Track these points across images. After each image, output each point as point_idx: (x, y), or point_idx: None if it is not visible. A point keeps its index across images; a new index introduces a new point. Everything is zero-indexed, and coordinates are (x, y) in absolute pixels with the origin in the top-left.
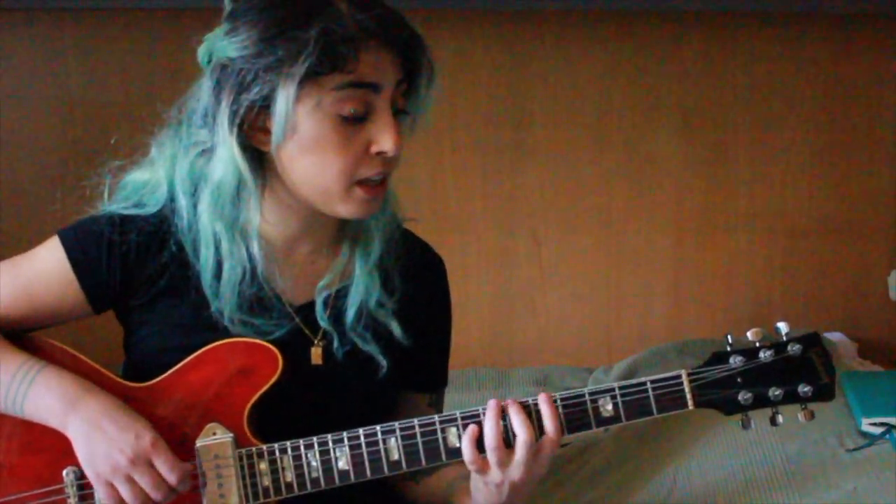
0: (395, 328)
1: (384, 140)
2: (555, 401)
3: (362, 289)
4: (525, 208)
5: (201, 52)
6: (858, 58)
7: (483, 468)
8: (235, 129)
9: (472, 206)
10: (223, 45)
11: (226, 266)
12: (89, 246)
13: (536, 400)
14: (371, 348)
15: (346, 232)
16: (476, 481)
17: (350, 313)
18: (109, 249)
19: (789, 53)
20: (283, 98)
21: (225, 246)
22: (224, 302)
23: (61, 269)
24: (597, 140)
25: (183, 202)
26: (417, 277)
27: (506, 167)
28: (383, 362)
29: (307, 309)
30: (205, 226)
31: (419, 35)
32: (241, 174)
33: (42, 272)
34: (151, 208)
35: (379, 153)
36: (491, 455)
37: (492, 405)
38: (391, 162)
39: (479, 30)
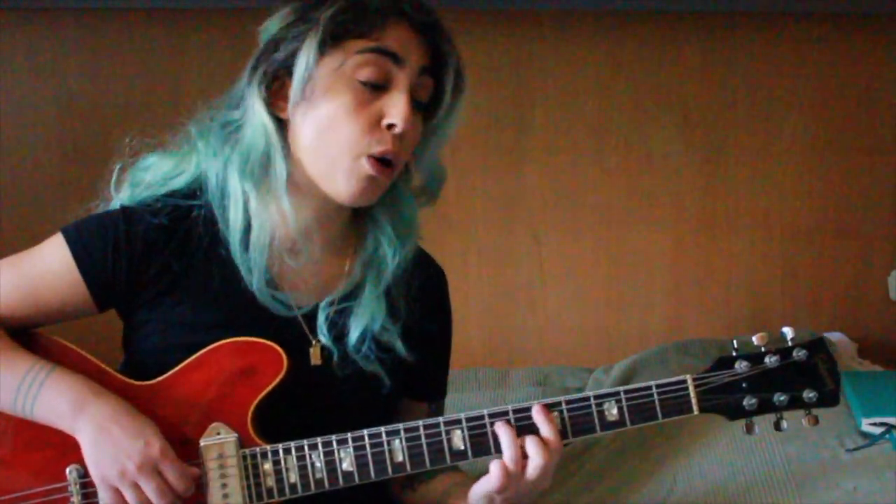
0: (400, 348)
1: (394, 112)
2: (559, 404)
3: (368, 313)
4: (525, 208)
5: None
6: (858, 58)
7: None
8: (263, 91)
9: (472, 206)
10: (269, 24)
11: (254, 225)
12: (94, 243)
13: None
14: (374, 368)
15: (360, 249)
16: (478, 491)
17: (353, 336)
18: (115, 246)
19: (789, 53)
20: (306, 52)
21: (253, 205)
22: (253, 267)
23: (65, 267)
24: (597, 140)
25: (216, 169)
26: (421, 295)
27: (506, 167)
28: (387, 381)
29: (310, 312)
30: (234, 186)
31: (447, 29)
32: (267, 133)
33: (46, 271)
34: (174, 186)
35: (389, 126)
36: (511, 466)
37: (505, 433)
38: (399, 142)
39: (479, 30)
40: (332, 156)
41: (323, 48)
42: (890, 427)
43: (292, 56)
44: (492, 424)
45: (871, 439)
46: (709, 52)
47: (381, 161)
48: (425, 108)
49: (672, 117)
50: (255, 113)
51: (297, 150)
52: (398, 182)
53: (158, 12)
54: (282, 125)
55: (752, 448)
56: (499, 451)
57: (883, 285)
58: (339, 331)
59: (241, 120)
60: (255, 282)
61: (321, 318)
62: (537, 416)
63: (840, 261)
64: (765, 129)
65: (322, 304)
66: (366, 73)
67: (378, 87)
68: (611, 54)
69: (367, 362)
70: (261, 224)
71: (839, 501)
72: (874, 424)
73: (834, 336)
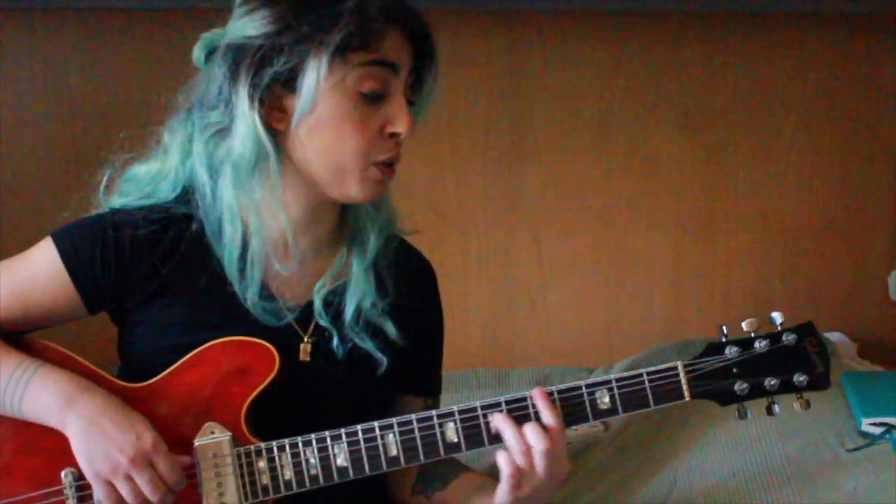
0: (390, 327)
1: (399, 121)
2: (552, 394)
3: (360, 287)
4: (525, 208)
5: (197, 49)
6: (858, 58)
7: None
8: (256, 104)
9: (472, 206)
10: (239, 25)
11: (253, 242)
12: (83, 246)
13: (532, 396)
14: (368, 346)
15: (343, 233)
16: (499, 501)
17: (348, 311)
18: (104, 249)
19: (789, 53)
20: (314, 67)
21: (253, 222)
22: (249, 282)
23: (55, 270)
24: (597, 140)
25: (204, 179)
26: (410, 284)
27: (506, 167)
28: (382, 359)
29: (299, 307)
30: (229, 202)
31: (430, 29)
32: (261, 146)
33: (36, 274)
34: (162, 196)
35: (393, 134)
36: (519, 459)
37: (507, 427)
38: (401, 145)
39: (479, 30)
40: (341, 167)
41: (329, 63)
42: (890, 427)
43: (292, 71)
44: (484, 416)
45: (871, 439)
46: (709, 52)
47: (388, 163)
48: (411, 101)
49: (672, 117)
50: (249, 127)
51: (299, 159)
52: None
53: (158, 12)
54: (275, 134)
55: (751, 448)
56: (492, 442)
57: (883, 285)
58: (335, 310)
59: (224, 124)
60: (249, 296)
61: (317, 302)
62: (538, 400)
63: (840, 261)
64: (765, 129)
65: (316, 288)
66: (368, 86)
67: (378, 98)
68: (611, 54)
69: (362, 340)
70: (261, 240)
71: (839, 501)
72: (874, 424)
73: (834, 336)
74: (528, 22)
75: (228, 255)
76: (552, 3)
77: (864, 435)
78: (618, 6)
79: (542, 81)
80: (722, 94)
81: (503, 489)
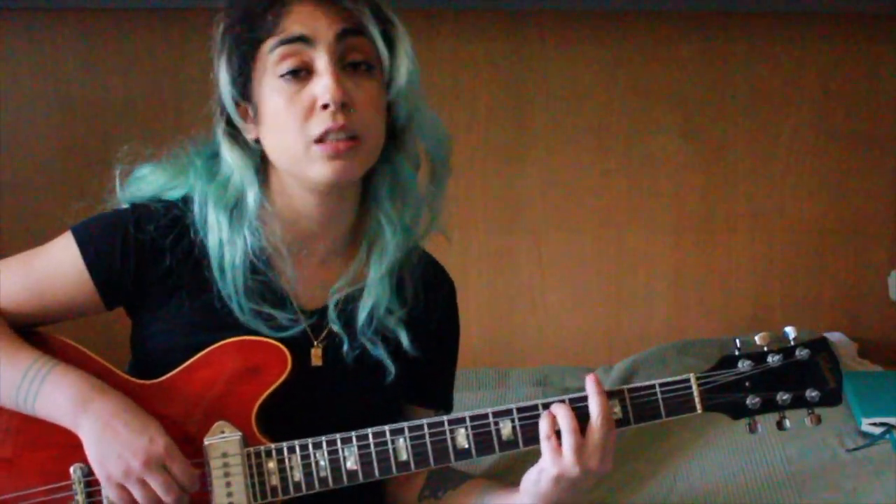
0: (404, 337)
1: (320, 90)
2: (564, 402)
3: (375, 294)
4: (525, 208)
5: None
6: (858, 58)
7: (557, 450)
8: (222, 124)
9: (472, 206)
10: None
11: (226, 251)
12: (103, 242)
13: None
14: (379, 353)
15: (362, 237)
16: (542, 479)
17: (361, 317)
18: (124, 245)
19: (789, 53)
20: (219, 75)
21: (225, 234)
22: (231, 288)
23: (74, 265)
24: (597, 140)
25: (200, 190)
26: (429, 296)
27: (506, 167)
28: (391, 367)
29: (315, 311)
30: (210, 213)
31: None
32: (235, 164)
33: (54, 269)
34: (171, 197)
35: (324, 106)
36: (567, 438)
37: (562, 411)
38: (341, 115)
39: (479, 30)
40: (289, 155)
41: (235, 65)
42: (890, 427)
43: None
44: (496, 423)
45: (871, 439)
46: (709, 52)
47: (332, 139)
48: (370, 66)
49: (672, 117)
50: (222, 146)
51: (273, 160)
52: (394, 155)
53: (158, 12)
54: (259, 144)
55: (752, 448)
56: (502, 449)
57: (883, 285)
58: (348, 315)
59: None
60: (235, 305)
61: (331, 306)
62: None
63: (840, 261)
64: (765, 129)
65: (331, 292)
66: (284, 66)
67: (304, 74)
68: (611, 54)
69: (374, 346)
70: (231, 252)
71: (839, 501)
72: (874, 424)
73: (834, 336)
74: (528, 22)
75: (213, 262)
76: (553, 2)
77: (864, 435)
78: (618, 6)
79: (542, 81)
80: (722, 94)
81: (539, 469)
